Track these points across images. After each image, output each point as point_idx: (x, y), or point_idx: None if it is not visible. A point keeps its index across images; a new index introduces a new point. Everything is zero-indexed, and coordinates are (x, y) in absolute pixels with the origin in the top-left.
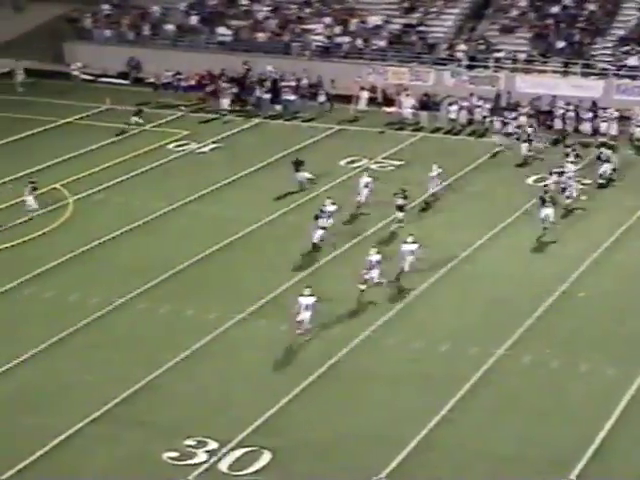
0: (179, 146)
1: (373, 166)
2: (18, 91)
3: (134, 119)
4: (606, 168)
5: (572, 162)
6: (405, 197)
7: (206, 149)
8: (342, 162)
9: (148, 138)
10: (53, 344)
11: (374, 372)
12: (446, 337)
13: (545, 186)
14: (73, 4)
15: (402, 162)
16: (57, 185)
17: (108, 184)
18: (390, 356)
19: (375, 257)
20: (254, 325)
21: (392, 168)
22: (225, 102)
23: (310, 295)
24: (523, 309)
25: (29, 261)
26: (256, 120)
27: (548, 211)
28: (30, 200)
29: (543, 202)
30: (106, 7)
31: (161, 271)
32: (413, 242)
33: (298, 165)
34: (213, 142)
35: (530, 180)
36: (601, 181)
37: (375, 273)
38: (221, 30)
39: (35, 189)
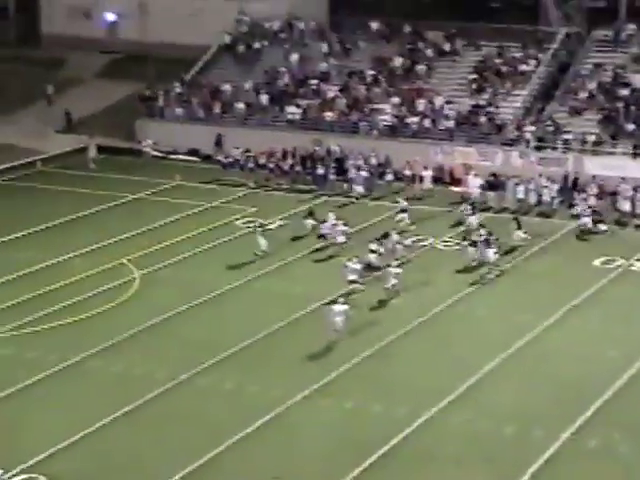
0: (246, 222)
1: (439, 245)
2: (90, 167)
3: (309, 222)
4: None
5: None
6: None
7: (273, 226)
8: (408, 241)
9: (216, 214)
10: (118, 417)
11: (436, 452)
12: (511, 418)
13: None
14: (146, 82)
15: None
16: (124, 260)
17: (175, 259)
18: (453, 436)
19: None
20: (318, 403)
21: (458, 248)
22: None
23: (344, 303)
24: (590, 391)
25: (96, 334)
26: (323, 198)
27: None
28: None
29: None
30: (177, 85)
31: (226, 347)
32: None
33: (310, 215)
34: (280, 219)
35: (597, 262)
36: None
37: None
38: (290, 109)
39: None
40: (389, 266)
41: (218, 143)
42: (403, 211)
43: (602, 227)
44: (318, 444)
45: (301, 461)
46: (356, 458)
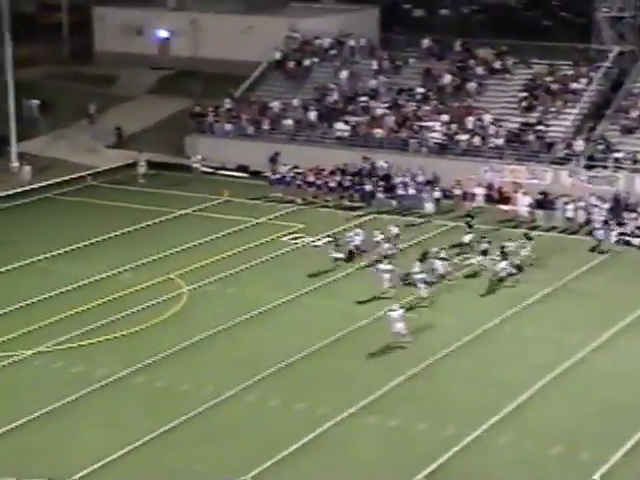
0: (293, 239)
1: (489, 263)
2: (140, 182)
3: (482, 260)
4: None
5: None
6: None
7: (320, 242)
8: (456, 260)
9: (263, 230)
10: (163, 433)
11: (482, 473)
12: (558, 439)
13: None
14: (196, 99)
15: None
16: (173, 275)
17: (222, 275)
18: (499, 456)
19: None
20: (363, 421)
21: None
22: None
23: (400, 308)
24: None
25: (143, 349)
26: (371, 215)
27: None
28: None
29: None
30: (227, 101)
31: (272, 363)
32: None
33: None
34: (327, 236)
35: None
36: None
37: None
38: (339, 125)
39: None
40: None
41: (273, 160)
42: (469, 233)
43: None
44: (363, 462)
45: (346, 477)
46: (401, 477)
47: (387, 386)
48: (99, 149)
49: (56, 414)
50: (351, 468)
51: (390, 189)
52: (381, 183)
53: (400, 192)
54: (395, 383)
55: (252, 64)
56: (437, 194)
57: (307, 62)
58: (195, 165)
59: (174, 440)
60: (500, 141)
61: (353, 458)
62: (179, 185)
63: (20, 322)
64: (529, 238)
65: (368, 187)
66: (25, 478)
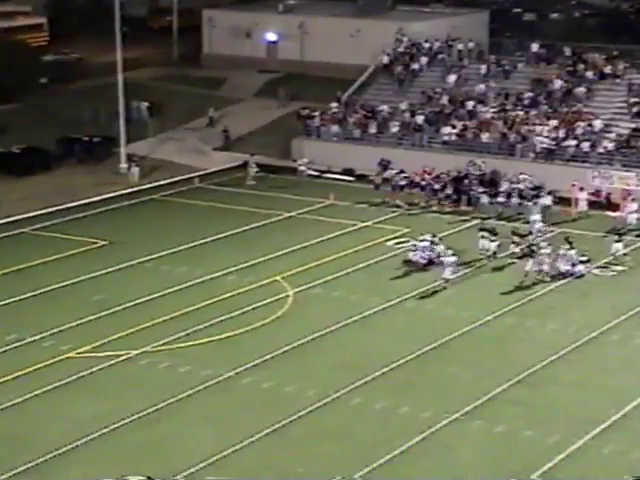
0: (398, 243)
1: (595, 271)
2: (248, 184)
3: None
4: None
5: None
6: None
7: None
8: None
9: (368, 234)
10: (269, 434)
11: None
12: None
13: None
14: (305, 102)
15: (624, 268)
16: (278, 277)
17: (327, 278)
18: (606, 466)
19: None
20: (468, 426)
21: (613, 273)
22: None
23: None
24: None
25: (248, 351)
26: (475, 221)
27: None
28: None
29: None
30: (334, 105)
31: (377, 367)
32: None
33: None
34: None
35: None
36: None
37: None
38: (446, 130)
39: None
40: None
41: (383, 166)
42: (618, 241)
43: None
44: (467, 467)
45: None
46: None
47: (492, 392)
48: (206, 151)
49: (163, 413)
50: (455, 473)
51: (495, 195)
52: (484, 189)
53: (501, 199)
54: (500, 389)
55: (359, 68)
56: (546, 201)
57: (415, 66)
58: (302, 168)
59: (279, 441)
60: (609, 147)
61: (457, 463)
62: (285, 188)
63: (128, 322)
64: (570, 242)
65: (476, 192)
66: (131, 475)
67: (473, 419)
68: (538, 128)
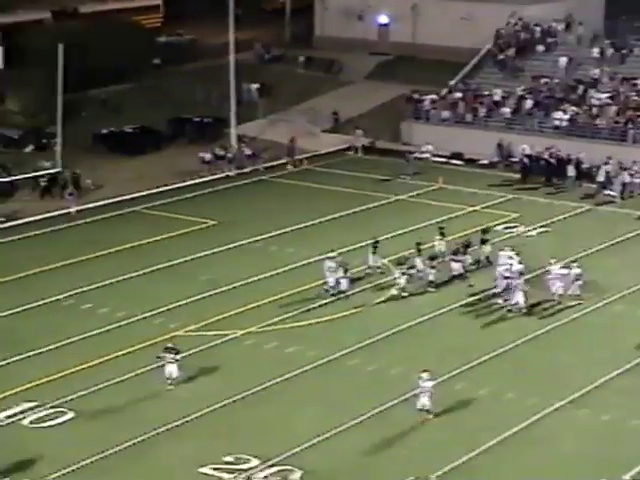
0: (508, 228)
1: None
2: (357, 155)
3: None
4: None
5: None
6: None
7: (534, 232)
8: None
9: (478, 218)
10: (374, 416)
11: None
12: None
13: None
14: (414, 85)
15: None
16: (385, 260)
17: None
18: None
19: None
20: (574, 414)
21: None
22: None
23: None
24: None
25: (354, 332)
26: (587, 206)
27: None
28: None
29: None
30: (445, 88)
31: (482, 352)
32: None
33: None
34: (541, 226)
35: None
36: None
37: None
38: (557, 114)
39: (346, 271)
40: None
41: (500, 149)
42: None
43: None
44: (572, 456)
45: (554, 471)
46: (611, 472)
47: (601, 379)
48: (316, 133)
49: (268, 393)
50: (559, 462)
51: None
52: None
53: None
54: (608, 377)
55: (471, 51)
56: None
57: (527, 49)
58: (425, 155)
59: (384, 424)
60: None
61: (561, 452)
62: (394, 170)
63: (235, 302)
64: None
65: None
66: (237, 454)
67: (579, 407)
68: None
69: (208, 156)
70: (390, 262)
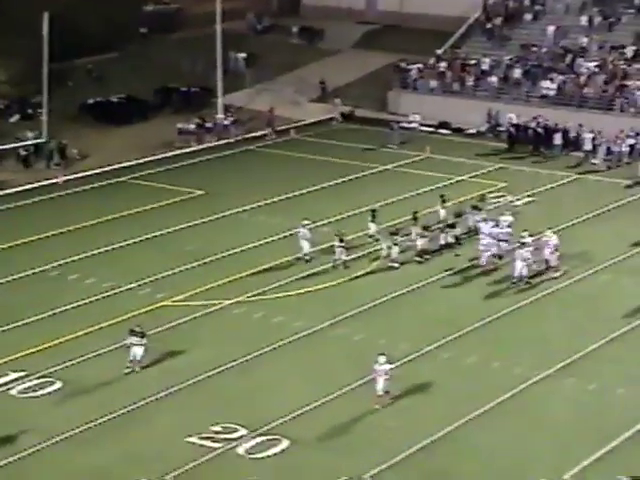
0: (495, 197)
1: None
2: (334, 123)
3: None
4: None
5: None
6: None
7: (520, 202)
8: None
9: (465, 188)
10: (360, 386)
11: None
12: None
13: None
14: (401, 54)
15: None
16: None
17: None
18: None
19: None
20: (561, 383)
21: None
22: None
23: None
24: None
25: (340, 303)
26: (575, 175)
27: None
28: (339, 250)
29: None
30: (432, 58)
31: (469, 322)
32: None
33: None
34: (528, 195)
35: None
36: None
37: None
38: (545, 83)
39: (342, 240)
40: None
41: (490, 119)
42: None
43: None
44: (559, 424)
45: (541, 439)
46: (597, 440)
47: (587, 349)
48: (303, 102)
49: (256, 363)
50: (546, 430)
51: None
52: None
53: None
54: (595, 346)
55: (459, 19)
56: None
57: (514, 17)
58: (413, 125)
59: (370, 394)
60: None
61: (548, 420)
62: (380, 140)
63: (222, 272)
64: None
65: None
66: (225, 423)
67: (566, 376)
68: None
69: (191, 126)
70: (383, 231)
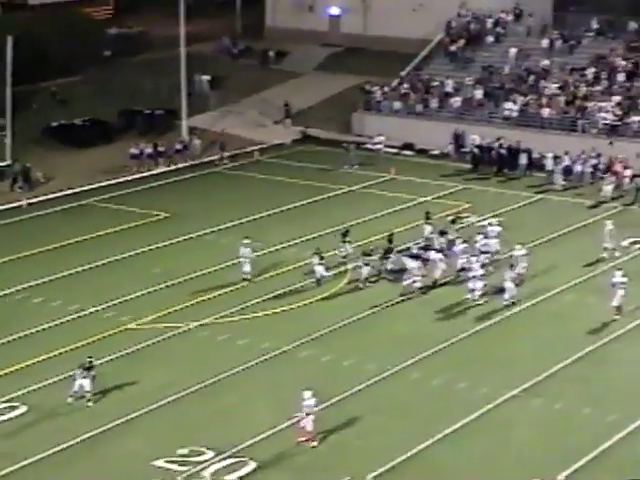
0: (459, 218)
1: None
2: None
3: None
4: None
5: None
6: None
7: (485, 222)
8: (625, 242)
9: (430, 209)
10: (327, 407)
11: None
12: None
13: None
14: (368, 76)
15: None
16: (337, 251)
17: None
18: None
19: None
20: (527, 403)
21: None
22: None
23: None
24: None
25: (307, 324)
26: (539, 195)
27: None
28: (319, 268)
29: None
30: (396, 79)
31: (436, 342)
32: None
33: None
34: (493, 216)
35: None
36: None
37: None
38: (507, 105)
39: (322, 258)
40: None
41: (456, 140)
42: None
43: None
44: (525, 444)
45: (507, 459)
46: (563, 461)
47: (552, 369)
48: (267, 124)
49: (222, 385)
50: (512, 450)
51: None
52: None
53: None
54: (561, 366)
55: (422, 42)
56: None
57: (476, 40)
58: (378, 147)
59: (337, 415)
60: None
61: (514, 440)
62: (345, 162)
63: (187, 295)
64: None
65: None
66: (191, 446)
67: (532, 396)
68: (602, 104)
69: (147, 150)
70: (353, 252)
